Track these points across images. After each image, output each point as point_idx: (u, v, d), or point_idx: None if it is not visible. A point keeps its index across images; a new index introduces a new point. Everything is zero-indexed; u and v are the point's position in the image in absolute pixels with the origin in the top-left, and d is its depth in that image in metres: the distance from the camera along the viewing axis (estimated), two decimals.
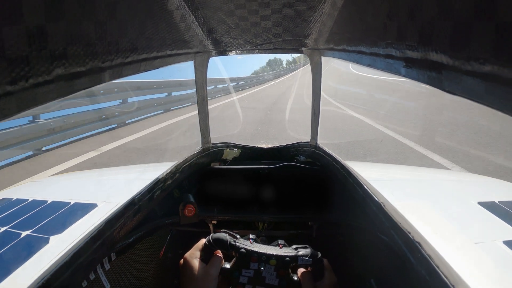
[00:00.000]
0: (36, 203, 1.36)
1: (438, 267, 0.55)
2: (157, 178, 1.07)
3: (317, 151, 1.35)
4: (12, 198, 1.48)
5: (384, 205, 0.78)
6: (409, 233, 0.66)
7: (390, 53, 0.53)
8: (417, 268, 0.61)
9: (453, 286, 0.50)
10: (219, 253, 0.97)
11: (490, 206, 1.18)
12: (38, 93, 0.41)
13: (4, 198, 1.51)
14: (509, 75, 0.27)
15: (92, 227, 0.78)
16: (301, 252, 0.99)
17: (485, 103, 0.32)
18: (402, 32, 0.47)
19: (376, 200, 0.81)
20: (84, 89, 0.51)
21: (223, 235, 1.00)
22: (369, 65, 0.67)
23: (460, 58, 0.34)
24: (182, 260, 0.97)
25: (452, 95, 0.38)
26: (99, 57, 0.52)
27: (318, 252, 0.98)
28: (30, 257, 0.93)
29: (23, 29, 0.35)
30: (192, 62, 1.27)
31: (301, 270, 0.98)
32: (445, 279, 0.52)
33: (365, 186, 0.89)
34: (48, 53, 0.40)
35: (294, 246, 1.02)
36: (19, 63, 0.36)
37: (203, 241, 1.01)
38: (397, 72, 0.53)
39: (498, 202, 1.23)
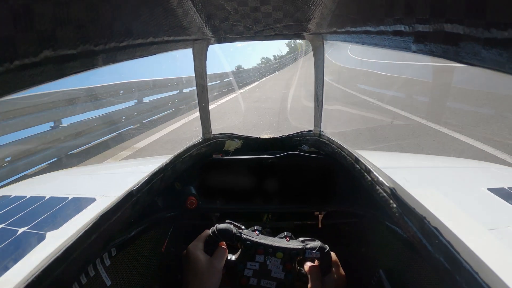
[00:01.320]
0: (34, 199, 1.34)
1: (459, 253, 0.53)
2: (156, 169, 1.05)
3: (321, 139, 1.32)
4: (11, 195, 1.46)
5: (396, 190, 0.75)
6: (425, 218, 0.63)
7: (398, 29, 0.51)
8: (435, 255, 0.58)
9: (476, 272, 0.48)
10: (224, 245, 0.95)
11: (500, 192, 1.16)
12: (25, 75, 0.39)
13: (2, 196, 1.49)
14: None
15: (88, 221, 0.75)
16: (309, 245, 0.96)
17: (508, 72, 0.30)
18: (411, 5, 0.45)
19: (387, 186, 0.79)
20: (76, 73, 0.49)
21: (228, 226, 0.97)
22: (375, 45, 0.65)
23: (478, 26, 0.32)
24: (185, 252, 0.95)
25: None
26: (91, 40, 0.49)
27: (326, 246, 0.96)
28: (25, 254, 0.90)
29: (7, 8, 0.33)
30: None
31: (308, 264, 0.96)
32: (467, 265, 0.50)
33: (374, 172, 0.87)
34: (35, 34, 0.38)
35: (301, 239, 1.00)
36: (3, 43, 0.34)
37: (207, 232, 0.98)
38: (407, 49, 0.50)
39: (508, 188, 1.21)
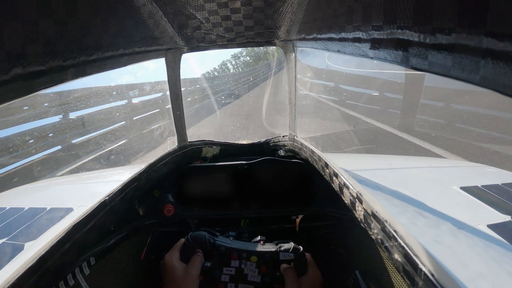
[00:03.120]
0: (13, 210, 1.33)
1: (416, 255, 0.55)
2: (130, 178, 1.05)
3: (295, 143, 1.35)
4: None
5: (361, 194, 0.78)
6: (386, 221, 0.65)
7: (357, 36, 0.53)
8: (395, 257, 0.61)
9: (432, 274, 0.50)
10: (200, 252, 0.97)
11: (473, 191, 1.19)
12: None
13: None
14: (475, 43, 0.26)
15: (61, 230, 0.76)
16: (283, 247, 0.99)
17: (452, 76, 0.31)
18: (368, 13, 0.47)
19: (353, 189, 0.81)
20: (45, 88, 0.50)
21: (201, 233, 0.99)
22: (338, 51, 0.67)
23: (425, 32, 0.33)
24: (161, 262, 0.96)
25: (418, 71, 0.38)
26: (60, 55, 0.50)
27: (300, 247, 0.98)
28: (4, 265, 0.90)
29: None
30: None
31: (284, 266, 0.98)
32: (422, 267, 0.52)
33: (342, 176, 0.89)
34: (4, 53, 0.39)
35: (276, 242, 1.02)
36: None
37: (182, 241, 1.00)
38: (365, 55, 0.52)
39: (481, 186, 1.25)
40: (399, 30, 0.39)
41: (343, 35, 0.60)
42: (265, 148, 1.53)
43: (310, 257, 1.01)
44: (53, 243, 0.71)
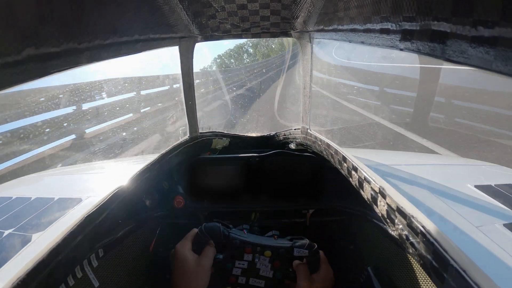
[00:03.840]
0: (19, 200, 1.32)
1: (446, 252, 0.52)
2: (142, 168, 1.04)
3: (308, 137, 1.32)
4: None
5: (384, 189, 0.75)
6: (412, 216, 0.63)
7: (385, 27, 0.51)
8: (422, 253, 0.58)
9: (464, 270, 0.48)
10: (212, 244, 0.95)
11: (488, 190, 1.18)
12: (7, 74, 0.38)
13: None
14: None
15: (73, 222, 0.74)
16: (297, 243, 0.97)
17: (494, 70, 0.30)
18: (398, 3, 0.45)
19: (375, 184, 0.79)
20: (59, 71, 0.48)
21: (216, 225, 0.97)
22: (362, 43, 0.66)
23: (465, 24, 0.32)
24: (173, 251, 0.94)
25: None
26: (75, 38, 0.49)
27: (315, 244, 0.97)
28: (11, 256, 0.89)
29: None
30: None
31: (296, 262, 0.96)
32: (454, 263, 0.50)
33: (362, 170, 0.87)
34: (17, 32, 0.37)
35: (290, 237, 1.00)
36: None
37: (195, 231, 0.98)
38: (394, 47, 0.51)
39: (495, 185, 1.23)
40: (435, 22, 0.37)
41: (368, 26, 0.59)
42: (275, 141, 1.52)
43: (323, 254, 0.99)
44: (65, 236, 0.70)
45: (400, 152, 3.43)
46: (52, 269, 0.65)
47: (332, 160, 1.08)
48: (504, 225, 0.94)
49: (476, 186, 1.21)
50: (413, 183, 1.19)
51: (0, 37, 0.35)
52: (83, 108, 7.16)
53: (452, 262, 0.51)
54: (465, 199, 1.13)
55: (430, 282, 0.80)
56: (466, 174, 1.54)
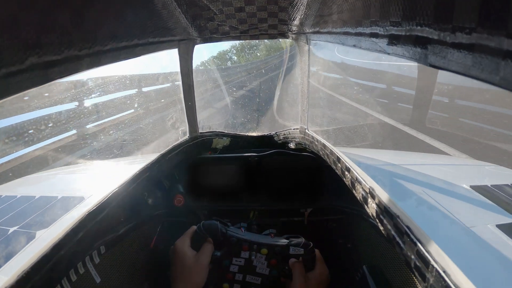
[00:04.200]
0: (24, 199, 1.35)
1: (428, 252, 0.54)
2: (142, 168, 1.05)
3: (306, 137, 1.34)
4: (1, 195, 1.46)
5: (373, 189, 0.77)
6: (398, 216, 0.65)
7: (374, 31, 0.53)
8: (407, 252, 0.60)
9: (443, 270, 0.49)
10: (210, 241, 0.97)
11: (483, 190, 1.18)
12: (11, 82, 0.40)
13: None
14: (496, 44, 0.26)
15: (74, 219, 0.77)
16: (293, 241, 0.98)
17: (471, 76, 0.31)
18: (386, 8, 0.46)
19: (365, 184, 0.81)
20: (61, 77, 0.49)
21: (214, 222, 0.99)
22: (354, 46, 0.67)
23: (445, 30, 0.33)
24: (172, 248, 0.97)
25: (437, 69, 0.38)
26: (75, 45, 0.50)
27: (310, 242, 0.98)
28: (16, 253, 0.92)
29: None
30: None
31: (292, 260, 0.98)
32: (434, 263, 0.52)
33: (354, 171, 0.88)
34: (21, 42, 0.39)
35: (286, 236, 1.02)
36: None
37: (194, 228, 1.00)
38: (382, 51, 0.52)
39: (491, 186, 1.23)
40: (418, 27, 0.39)
41: (359, 29, 0.60)
42: (275, 140, 1.53)
43: (319, 253, 1.01)
44: (67, 232, 0.72)
45: (397, 151, 3.42)
46: (54, 263, 0.67)
47: (328, 160, 1.09)
48: (497, 225, 0.95)
49: (471, 187, 1.21)
50: (407, 182, 1.20)
51: (5, 48, 0.36)
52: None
53: (432, 262, 0.52)
54: (459, 199, 1.13)
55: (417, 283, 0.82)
56: (463, 174, 1.54)
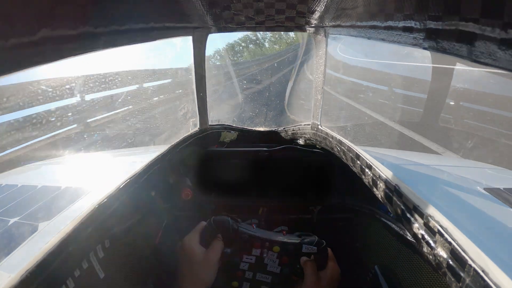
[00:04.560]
0: (25, 188, 1.32)
1: (464, 251, 0.51)
2: (153, 159, 1.03)
3: (318, 133, 1.31)
4: (1, 184, 1.43)
5: (399, 187, 0.74)
6: (429, 215, 0.62)
7: (409, 25, 0.51)
8: (439, 252, 0.57)
9: (483, 271, 0.47)
10: (220, 238, 0.94)
11: (496, 193, 1.16)
12: (22, 55, 0.37)
13: None
14: None
15: (83, 212, 0.73)
16: (306, 239, 0.96)
17: None
18: (423, 2, 0.45)
19: (390, 182, 0.77)
20: (75, 55, 0.47)
21: (225, 218, 0.96)
22: (383, 40, 0.65)
23: (494, 26, 0.31)
24: (180, 244, 0.94)
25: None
26: (91, 21, 0.48)
27: (323, 241, 0.96)
28: (18, 246, 0.88)
29: None
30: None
31: (304, 259, 0.96)
32: (472, 263, 0.49)
33: (376, 168, 0.85)
34: (32, 11, 0.36)
35: (298, 233, 0.99)
36: None
37: (203, 224, 0.97)
38: (418, 45, 0.51)
39: (503, 189, 1.21)
40: (463, 22, 0.37)
41: (390, 23, 0.58)
42: (284, 136, 1.50)
43: (331, 252, 0.99)
44: (75, 227, 0.69)
45: (405, 151, 3.41)
46: (61, 261, 0.64)
47: (344, 157, 1.07)
48: None
49: (485, 189, 1.19)
50: (425, 183, 1.17)
51: (15, 16, 0.34)
52: None
53: (470, 261, 0.50)
54: (475, 201, 1.11)
55: (438, 283, 0.79)
56: (476, 177, 1.53)
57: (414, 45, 0.51)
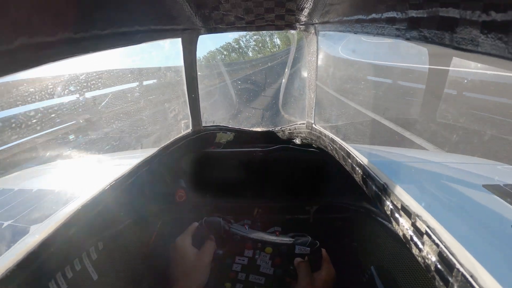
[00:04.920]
0: (21, 192, 1.32)
1: (452, 254, 0.50)
2: (140, 161, 1.03)
3: (313, 132, 1.30)
4: None
5: (388, 186, 0.73)
6: (417, 216, 0.61)
7: (391, 16, 0.50)
8: (425, 255, 0.56)
9: (471, 275, 0.46)
10: (212, 239, 0.94)
11: (496, 189, 1.15)
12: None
13: None
14: None
15: (66, 214, 0.73)
16: (299, 240, 0.95)
17: (507, 58, 0.28)
18: None
19: (379, 181, 0.77)
20: (54, 61, 0.47)
21: (216, 219, 0.96)
22: (368, 33, 0.64)
23: (475, 9, 0.30)
24: (173, 245, 0.93)
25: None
26: (70, 27, 0.47)
27: (317, 242, 0.95)
28: (8, 249, 0.88)
29: None
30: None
31: (297, 260, 0.95)
32: (460, 267, 0.48)
33: (366, 167, 0.85)
34: (9, 20, 0.36)
35: (292, 234, 0.99)
36: None
37: (195, 225, 0.97)
38: (400, 36, 0.49)
39: (503, 185, 1.20)
40: (443, 8, 0.36)
41: (373, 15, 0.57)
42: (280, 136, 1.50)
43: (325, 253, 0.98)
44: (57, 228, 0.69)
45: (404, 149, 3.39)
46: (43, 261, 0.64)
47: (336, 155, 1.06)
48: None
49: (484, 186, 1.18)
50: (417, 181, 1.17)
51: None
52: None
53: (458, 265, 0.48)
54: (473, 198, 1.10)
55: (435, 285, 0.79)
56: (474, 173, 1.51)
57: (397, 36, 0.50)
